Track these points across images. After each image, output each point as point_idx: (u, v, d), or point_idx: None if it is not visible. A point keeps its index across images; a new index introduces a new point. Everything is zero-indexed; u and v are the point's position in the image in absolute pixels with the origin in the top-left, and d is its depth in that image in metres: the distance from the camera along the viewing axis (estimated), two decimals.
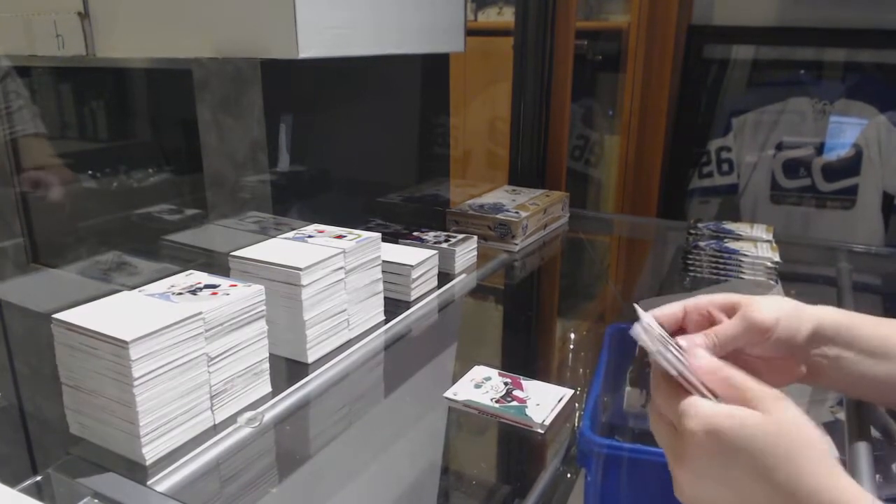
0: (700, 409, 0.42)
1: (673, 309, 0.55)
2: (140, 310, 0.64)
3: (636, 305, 0.51)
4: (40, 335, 0.65)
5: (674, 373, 0.45)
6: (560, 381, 0.77)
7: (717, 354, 0.51)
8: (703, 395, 0.43)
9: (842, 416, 0.70)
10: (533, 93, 1.52)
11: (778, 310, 0.54)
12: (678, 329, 0.56)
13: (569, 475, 0.66)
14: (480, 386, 0.76)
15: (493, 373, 0.79)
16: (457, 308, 1.03)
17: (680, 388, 0.45)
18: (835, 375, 0.56)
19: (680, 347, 0.47)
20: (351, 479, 0.66)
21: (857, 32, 1.59)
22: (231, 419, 0.69)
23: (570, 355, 0.93)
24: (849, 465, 0.60)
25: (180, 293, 0.68)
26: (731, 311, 0.54)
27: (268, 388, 0.74)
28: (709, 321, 0.54)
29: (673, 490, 0.45)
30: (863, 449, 0.62)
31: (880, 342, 0.55)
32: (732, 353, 0.52)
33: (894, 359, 0.55)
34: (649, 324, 0.47)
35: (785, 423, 0.40)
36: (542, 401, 0.73)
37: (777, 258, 1.09)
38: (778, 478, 0.39)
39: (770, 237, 1.19)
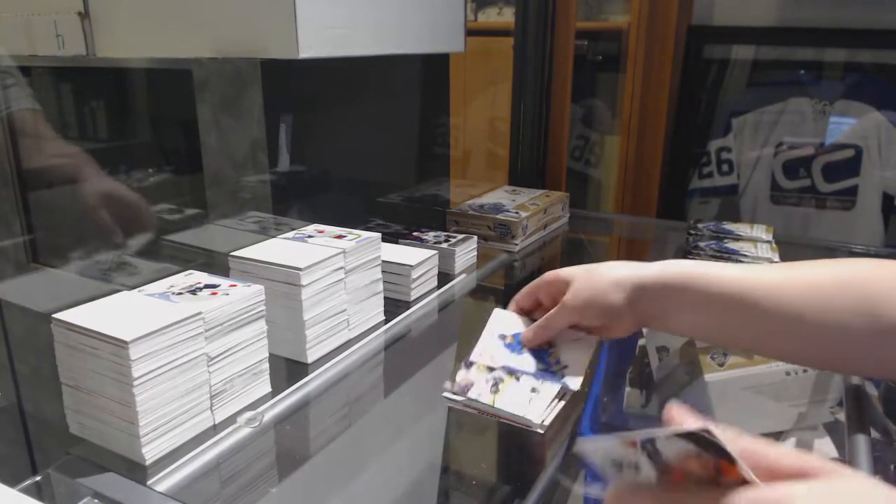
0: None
1: (527, 294, 0.71)
2: (140, 310, 0.64)
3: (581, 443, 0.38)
4: (40, 335, 0.65)
5: (748, 473, 0.32)
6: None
7: (545, 338, 0.68)
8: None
9: (841, 416, 0.70)
10: (533, 93, 1.52)
11: (588, 290, 0.64)
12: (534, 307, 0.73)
13: (568, 476, 0.66)
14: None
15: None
16: (457, 308, 1.03)
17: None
18: (665, 322, 0.63)
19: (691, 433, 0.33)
20: (351, 479, 0.66)
21: (858, 32, 1.59)
22: (231, 419, 0.69)
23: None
24: (848, 464, 0.60)
25: (180, 293, 0.68)
26: (562, 287, 0.67)
27: (267, 388, 0.74)
28: (550, 297, 0.69)
29: None
30: (862, 449, 0.62)
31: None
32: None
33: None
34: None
35: (867, 485, 0.32)
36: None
37: (777, 259, 1.09)
38: None
39: (770, 238, 1.19)
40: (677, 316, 0.61)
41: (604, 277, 0.65)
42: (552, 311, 0.68)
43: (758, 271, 0.58)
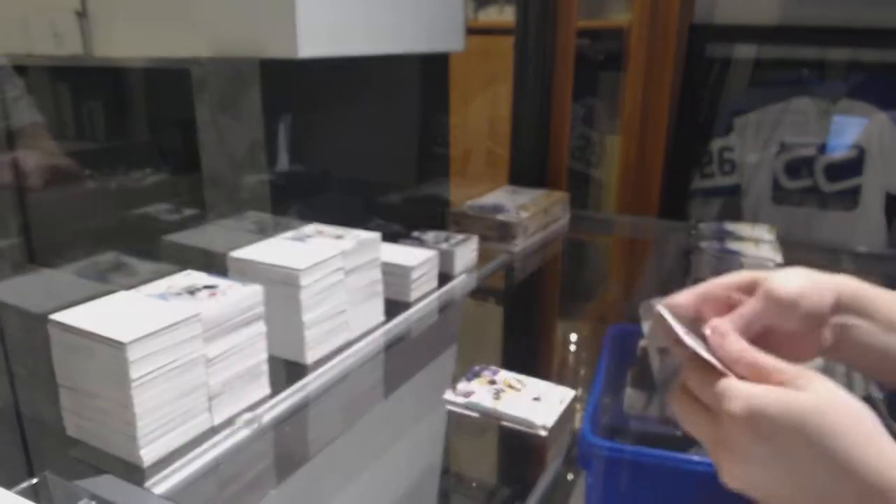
0: (741, 391, 0.40)
1: (684, 298, 0.53)
2: (138, 310, 0.64)
3: (653, 303, 0.50)
4: (37, 336, 0.65)
5: (706, 355, 0.43)
6: (561, 383, 0.77)
7: (744, 337, 0.49)
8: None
9: None
10: (533, 93, 1.52)
11: (800, 281, 0.51)
12: (694, 319, 0.53)
13: (569, 477, 0.66)
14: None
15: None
16: (457, 309, 1.03)
17: (713, 370, 0.43)
18: (851, 347, 0.53)
19: (702, 335, 0.45)
20: (350, 481, 0.66)
21: (860, 32, 1.59)
22: (229, 421, 0.69)
23: (571, 356, 0.93)
24: None
25: (178, 294, 0.68)
26: (749, 289, 0.52)
27: (266, 390, 0.74)
28: (727, 305, 0.52)
29: (721, 476, 0.43)
30: None
31: None
32: (761, 332, 0.50)
33: None
34: (666, 310, 0.46)
35: (830, 399, 0.39)
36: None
37: (780, 258, 1.08)
38: (837, 456, 0.37)
39: (772, 238, 1.18)
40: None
41: (812, 273, 0.53)
42: (747, 305, 0.52)
43: None
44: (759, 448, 0.40)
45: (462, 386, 0.76)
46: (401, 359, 0.87)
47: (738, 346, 0.43)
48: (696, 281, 0.83)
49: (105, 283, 0.98)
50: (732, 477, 0.42)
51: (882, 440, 0.38)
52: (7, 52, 0.92)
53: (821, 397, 0.39)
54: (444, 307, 1.00)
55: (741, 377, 0.42)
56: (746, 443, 0.40)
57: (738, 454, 0.41)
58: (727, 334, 0.44)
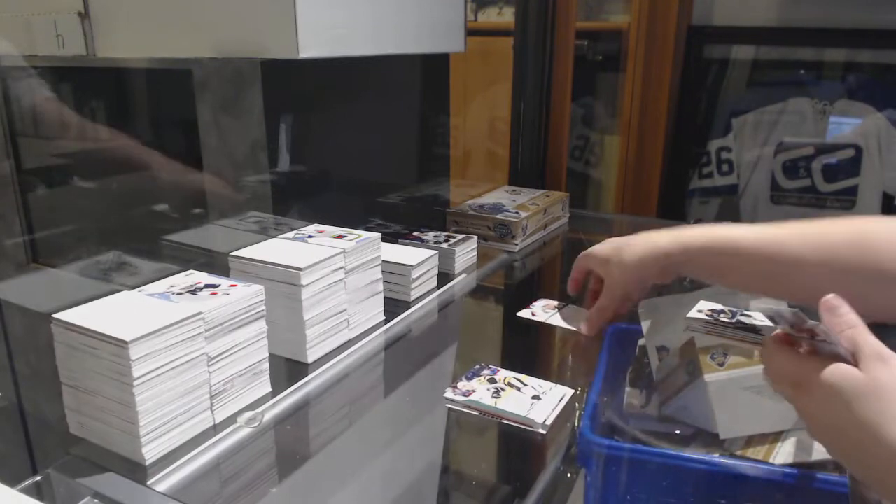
0: (836, 368, 0.48)
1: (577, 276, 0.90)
2: (140, 310, 0.64)
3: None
4: (40, 335, 0.65)
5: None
6: (560, 382, 0.77)
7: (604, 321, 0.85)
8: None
9: None
10: (533, 93, 1.52)
11: (631, 270, 0.80)
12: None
13: (569, 475, 0.66)
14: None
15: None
16: (457, 308, 1.03)
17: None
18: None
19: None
20: (351, 480, 0.66)
21: (858, 32, 1.59)
22: (231, 419, 0.69)
23: (570, 355, 0.93)
24: None
25: (180, 293, 0.68)
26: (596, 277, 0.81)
27: (268, 388, 0.74)
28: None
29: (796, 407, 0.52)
30: None
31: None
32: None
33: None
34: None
35: (884, 383, 0.45)
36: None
37: None
38: (869, 425, 0.45)
39: None
40: (711, 279, 0.75)
41: (635, 252, 0.81)
42: (601, 299, 0.87)
43: (773, 229, 0.69)
44: (824, 404, 0.48)
45: (462, 385, 0.77)
46: (401, 358, 0.88)
47: (849, 319, 0.50)
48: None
49: (108, 282, 0.99)
50: (804, 412, 0.51)
51: None
52: (10, 53, 0.92)
53: (878, 381, 0.46)
54: (444, 306, 1.01)
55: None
56: (821, 397, 0.48)
57: (813, 400, 0.49)
58: (839, 307, 0.51)
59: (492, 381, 0.77)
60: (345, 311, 0.84)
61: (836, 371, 0.47)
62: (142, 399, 0.60)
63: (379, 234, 0.88)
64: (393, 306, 0.94)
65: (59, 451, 0.64)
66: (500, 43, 1.78)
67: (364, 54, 0.83)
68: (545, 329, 0.95)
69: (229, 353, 0.68)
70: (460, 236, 1.14)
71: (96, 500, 0.59)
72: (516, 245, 1.23)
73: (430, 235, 1.14)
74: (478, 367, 0.80)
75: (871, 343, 0.48)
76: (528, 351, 0.98)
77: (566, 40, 1.51)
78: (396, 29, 0.89)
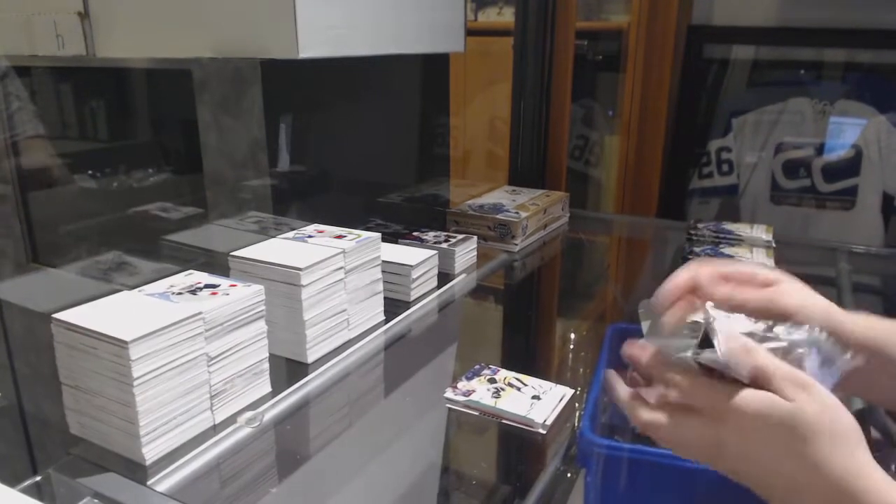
0: (750, 396, 0.44)
1: (676, 282, 0.58)
2: (140, 310, 0.64)
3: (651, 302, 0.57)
4: (40, 335, 0.65)
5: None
6: (560, 382, 0.77)
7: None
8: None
9: None
10: (533, 93, 1.52)
11: (803, 300, 0.54)
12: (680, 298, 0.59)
13: (569, 475, 0.66)
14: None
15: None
16: (457, 308, 1.03)
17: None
18: None
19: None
20: (351, 480, 0.66)
21: (857, 33, 1.59)
22: (231, 419, 0.69)
23: (571, 355, 0.93)
24: None
25: (180, 293, 0.68)
26: (765, 284, 0.56)
27: (268, 388, 0.74)
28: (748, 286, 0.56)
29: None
30: None
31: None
32: None
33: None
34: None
35: (816, 409, 0.42)
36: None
37: (771, 263, 1.09)
38: (806, 457, 0.42)
39: (770, 238, 1.18)
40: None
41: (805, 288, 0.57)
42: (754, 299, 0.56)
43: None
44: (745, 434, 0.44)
45: (462, 384, 0.77)
46: (401, 357, 0.88)
47: (762, 358, 0.45)
48: None
49: (108, 282, 0.99)
50: (728, 448, 0.46)
51: (856, 451, 0.42)
52: (10, 53, 0.92)
53: (804, 408, 0.42)
54: (444, 306, 1.01)
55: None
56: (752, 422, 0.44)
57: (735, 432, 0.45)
58: (755, 350, 0.46)
59: (492, 380, 0.78)
60: (345, 311, 0.84)
61: (757, 398, 0.43)
62: (142, 399, 0.60)
63: (379, 234, 0.88)
64: (393, 306, 0.94)
65: (60, 451, 0.64)
66: (499, 43, 1.78)
67: (364, 54, 0.83)
68: (545, 329, 0.95)
69: (229, 353, 0.68)
70: (460, 236, 1.14)
71: (96, 500, 0.59)
72: (516, 245, 1.23)
73: (429, 235, 1.14)
74: (478, 366, 0.80)
75: (781, 366, 0.44)
76: (528, 351, 0.98)
77: (566, 40, 1.51)
78: (396, 29, 0.89)
